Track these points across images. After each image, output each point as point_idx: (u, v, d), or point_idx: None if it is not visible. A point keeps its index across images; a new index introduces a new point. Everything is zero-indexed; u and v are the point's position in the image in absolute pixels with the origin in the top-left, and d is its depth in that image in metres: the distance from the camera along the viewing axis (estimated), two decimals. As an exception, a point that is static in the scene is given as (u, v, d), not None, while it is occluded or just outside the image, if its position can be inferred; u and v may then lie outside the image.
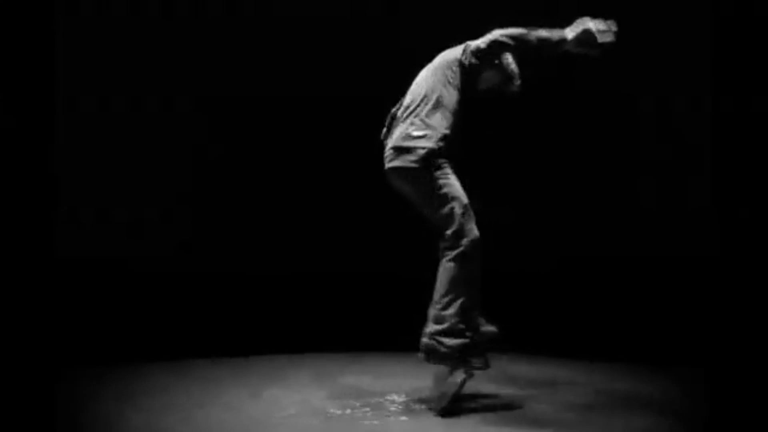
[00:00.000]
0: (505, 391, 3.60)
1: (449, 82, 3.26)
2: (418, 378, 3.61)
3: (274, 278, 5.03)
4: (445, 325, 3.07)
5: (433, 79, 3.28)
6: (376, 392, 3.51)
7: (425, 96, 3.24)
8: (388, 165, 3.27)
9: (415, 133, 3.18)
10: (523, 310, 4.67)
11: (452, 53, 3.33)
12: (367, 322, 4.77)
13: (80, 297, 4.74)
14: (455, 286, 3.07)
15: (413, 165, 3.16)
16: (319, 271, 5.09)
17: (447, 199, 3.13)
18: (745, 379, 3.84)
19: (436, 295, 3.11)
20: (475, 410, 3.22)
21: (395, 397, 3.40)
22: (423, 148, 3.15)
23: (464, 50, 3.29)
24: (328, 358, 4.47)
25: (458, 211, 3.10)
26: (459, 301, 3.07)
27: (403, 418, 3.10)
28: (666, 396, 3.59)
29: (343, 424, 3.00)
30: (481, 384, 3.50)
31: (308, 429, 2.94)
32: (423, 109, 3.22)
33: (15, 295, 4.46)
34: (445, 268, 3.10)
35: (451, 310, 3.07)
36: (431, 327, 3.11)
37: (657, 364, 4.22)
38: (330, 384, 3.74)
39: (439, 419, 3.08)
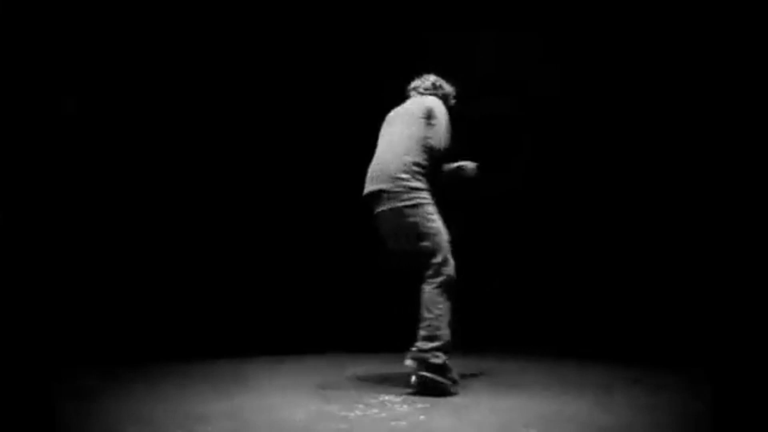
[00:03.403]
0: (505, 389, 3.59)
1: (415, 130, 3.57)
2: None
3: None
4: (439, 343, 3.40)
5: (402, 126, 3.62)
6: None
7: (399, 142, 3.58)
8: (380, 208, 3.55)
9: (403, 175, 3.50)
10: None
11: (415, 108, 3.61)
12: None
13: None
14: (445, 309, 3.43)
15: (403, 204, 3.48)
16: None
17: (432, 233, 3.48)
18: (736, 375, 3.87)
19: (427, 318, 3.42)
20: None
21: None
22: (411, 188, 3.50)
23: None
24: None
25: (444, 244, 3.47)
26: (447, 322, 3.43)
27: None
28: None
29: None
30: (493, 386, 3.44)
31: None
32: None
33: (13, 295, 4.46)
34: (432, 293, 3.44)
35: (443, 330, 3.41)
36: (425, 344, 3.40)
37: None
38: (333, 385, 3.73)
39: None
